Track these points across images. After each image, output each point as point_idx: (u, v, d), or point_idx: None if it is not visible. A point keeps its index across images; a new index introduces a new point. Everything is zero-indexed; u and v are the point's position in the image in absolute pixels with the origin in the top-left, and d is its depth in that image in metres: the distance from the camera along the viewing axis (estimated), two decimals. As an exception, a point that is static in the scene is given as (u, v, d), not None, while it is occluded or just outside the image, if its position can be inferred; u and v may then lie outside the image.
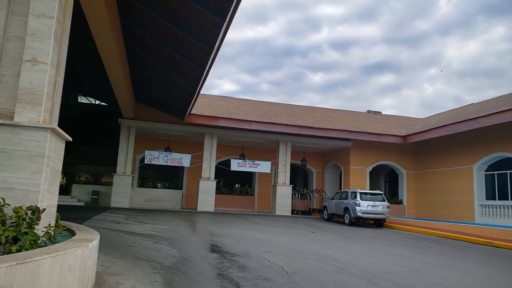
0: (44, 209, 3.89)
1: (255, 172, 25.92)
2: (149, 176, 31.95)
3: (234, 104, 25.25)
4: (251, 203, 25.80)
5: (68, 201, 21.13)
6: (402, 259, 8.50)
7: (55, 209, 4.96)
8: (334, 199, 20.15)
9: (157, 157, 21.83)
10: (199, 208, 21.60)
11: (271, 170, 24.24)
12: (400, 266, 7.57)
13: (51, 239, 3.94)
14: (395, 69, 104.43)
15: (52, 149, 4.45)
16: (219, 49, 10.62)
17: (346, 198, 18.69)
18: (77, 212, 15.29)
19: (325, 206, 21.03)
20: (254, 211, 25.04)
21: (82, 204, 20.93)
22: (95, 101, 32.19)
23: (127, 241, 8.58)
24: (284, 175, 23.63)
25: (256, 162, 23.65)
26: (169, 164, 22.14)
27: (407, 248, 10.58)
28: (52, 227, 3.91)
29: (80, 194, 22.17)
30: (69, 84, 27.17)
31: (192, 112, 19.68)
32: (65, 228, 5.82)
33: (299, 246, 9.51)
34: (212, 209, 21.78)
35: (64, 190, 26.36)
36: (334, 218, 20.38)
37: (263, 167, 23.76)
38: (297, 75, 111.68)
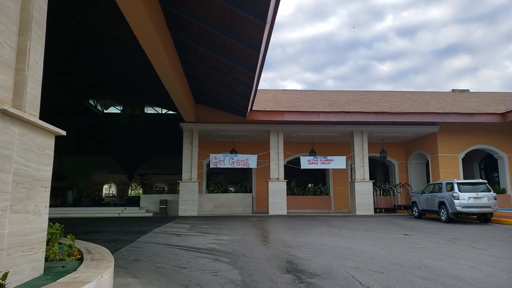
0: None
1: (328, 169, 23.67)
2: (221, 181, 31.17)
3: (298, 96, 23.27)
4: (327, 204, 23.55)
5: (136, 212, 20.68)
6: (553, 273, 5.98)
7: (38, 235, 3.40)
8: (424, 193, 17.36)
9: (222, 160, 20.55)
10: (271, 212, 19.91)
11: (346, 166, 21.77)
12: (558, 286, 5.13)
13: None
14: (470, 49, 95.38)
15: (15, 145, 2.90)
16: (273, 22, 8.83)
17: (440, 190, 15.92)
18: (140, 224, 14.37)
19: (414, 202, 18.25)
20: (331, 212, 22.74)
21: (150, 214, 20.24)
22: (161, 111, 32.30)
23: (181, 260, 7.07)
24: (362, 170, 21.07)
25: (329, 157, 21.34)
26: (235, 166, 20.76)
27: (546, 253, 7.85)
28: None
29: (149, 204, 21.57)
30: (134, 96, 27.41)
31: (253, 108, 18.19)
32: (79, 256, 4.37)
33: (396, 257, 7.32)
34: (284, 212, 19.97)
35: (137, 201, 26.31)
36: (425, 215, 17.69)
37: (337, 162, 21.37)
38: (363, 67, 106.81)
